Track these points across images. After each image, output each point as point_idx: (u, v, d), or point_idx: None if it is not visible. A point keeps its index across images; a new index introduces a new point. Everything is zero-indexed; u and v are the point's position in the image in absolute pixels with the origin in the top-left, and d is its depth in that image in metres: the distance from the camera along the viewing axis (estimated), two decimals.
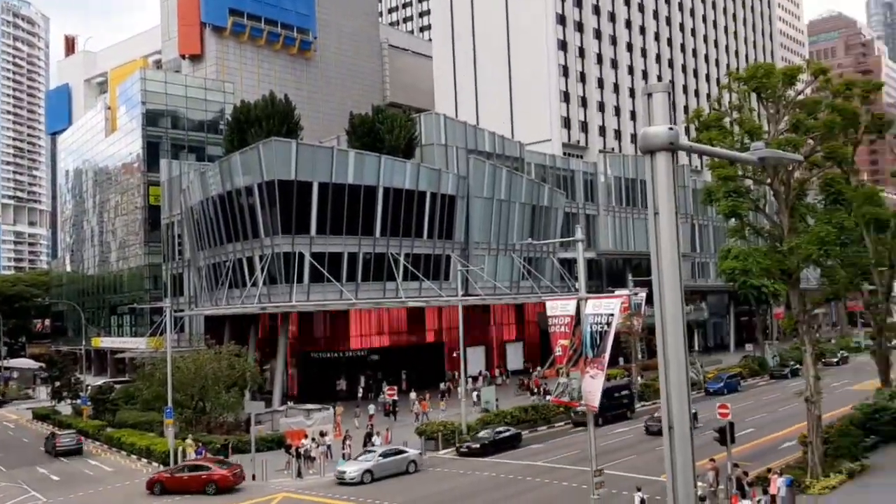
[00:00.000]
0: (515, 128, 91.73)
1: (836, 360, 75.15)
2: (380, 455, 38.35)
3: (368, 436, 42.68)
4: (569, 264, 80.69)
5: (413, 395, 56.98)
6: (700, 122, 31.70)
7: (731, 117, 31.79)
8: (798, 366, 67.70)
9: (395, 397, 44.34)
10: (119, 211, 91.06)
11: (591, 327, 23.21)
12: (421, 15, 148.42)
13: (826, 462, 32.51)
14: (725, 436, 30.09)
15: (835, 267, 32.99)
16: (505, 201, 71.45)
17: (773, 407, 53.04)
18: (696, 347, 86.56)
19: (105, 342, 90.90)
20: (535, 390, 59.96)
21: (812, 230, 29.35)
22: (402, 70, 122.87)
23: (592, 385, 24.30)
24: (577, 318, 24.96)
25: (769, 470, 31.16)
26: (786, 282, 31.83)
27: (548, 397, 52.22)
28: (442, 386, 62.72)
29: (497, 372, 71.86)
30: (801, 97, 31.10)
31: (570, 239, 31.93)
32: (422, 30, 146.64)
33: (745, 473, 29.73)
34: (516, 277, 72.52)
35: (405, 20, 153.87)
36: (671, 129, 5.54)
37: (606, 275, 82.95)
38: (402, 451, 39.46)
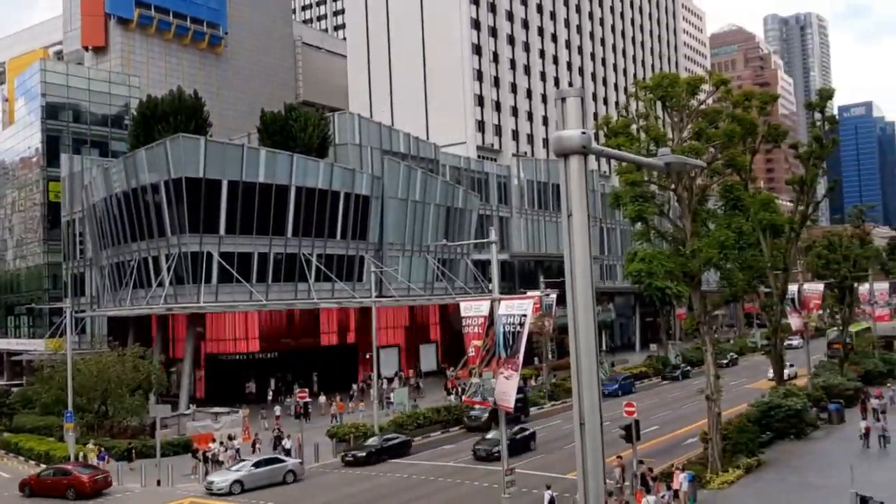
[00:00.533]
0: (430, 130, 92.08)
1: (725, 361, 75.57)
2: (252, 465, 36.40)
3: (278, 439, 42.01)
4: (483, 266, 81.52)
5: (322, 398, 56.48)
6: (609, 128, 32.59)
7: (638, 124, 32.81)
8: (689, 368, 70.35)
9: (307, 399, 43.74)
10: (17, 207, 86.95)
11: (504, 328, 23.53)
12: (335, 14, 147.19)
13: (725, 457, 33.91)
14: (631, 433, 30.99)
15: (733, 270, 34.46)
16: (419, 202, 71.62)
17: (676, 405, 54.93)
18: (604, 347, 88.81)
19: (1, 344, 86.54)
20: (451, 390, 60.42)
21: (713, 234, 30.58)
22: (315, 68, 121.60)
23: (507, 385, 24.64)
24: (491, 319, 25.28)
25: (673, 466, 32.26)
26: (688, 284, 33.07)
27: (462, 397, 52.56)
28: (354, 387, 62.39)
29: (412, 373, 71.94)
30: (703, 107, 32.38)
31: (484, 241, 32.32)
32: (336, 28, 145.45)
33: (650, 469, 30.73)
34: (430, 279, 72.79)
35: (319, 18, 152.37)
36: (584, 133, 5.71)
37: (519, 276, 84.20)
38: (278, 461, 37.60)
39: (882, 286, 70.07)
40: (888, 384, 54.47)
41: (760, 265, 34.15)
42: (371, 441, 41.54)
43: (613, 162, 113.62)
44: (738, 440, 36.00)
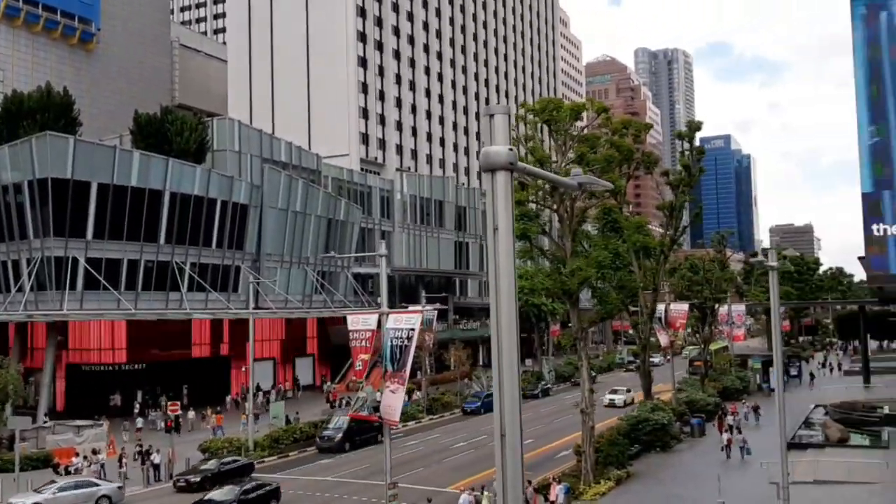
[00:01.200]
0: (313, 140, 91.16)
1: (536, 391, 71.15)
2: (57, 489, 32.96)
3: (146, 453, 40.14)
4: (363, 279, 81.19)
5: (191, 413, 54.54)
6: None
7: (525, 146, 33.70)
8: (549, 386, 71.25)
9: (179, 412, 42.00)
10: None
11: (391, 341, 23.50)
12: (216, 17, 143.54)
13: (597, 469, 35.09)
14: None
15: (608, 289, 35.88)
16: (300, 213, 70.60)
17: (549, 419, 56.37)
18: (482, 362, 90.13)
19: None
20: (335, 403, 59.78)
21: (591, 255, 31.75)
22: (192, 71, 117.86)
23: (392, 399, 24.56)
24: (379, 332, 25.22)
25: (550, 478, 33.07)
26: (567, 301, 34.12)
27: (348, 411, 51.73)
28: (228, 400, 60.61)
29: (288, 386, 70.60)
30: (585, 132, 33.65)
31: (374, 254, 32.24)
32: (216, 32, 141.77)
33: (529, 482, 31.36)
34: (309, 291, 71.76)
35: (198, 20, 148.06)
36: (511, 149, 5.86)
37: (400, 291, 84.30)
38: (91, 484, 34.27)
39: (739, 308, 74.67)
40: (743, 400, 58.02)
41: (633, 285, 35.74)
42: (208, 465, 37.97)
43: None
44: (609, 453, 37.32)
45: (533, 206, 32.41)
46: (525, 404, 65.37)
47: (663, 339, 54.69)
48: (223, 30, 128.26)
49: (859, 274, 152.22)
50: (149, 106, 75.71)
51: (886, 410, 53.43)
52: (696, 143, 46.42)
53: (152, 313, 58.34)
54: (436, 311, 62.52)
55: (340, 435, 45.24)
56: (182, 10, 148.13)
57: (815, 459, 38.41)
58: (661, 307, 54.25)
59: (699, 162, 44.03)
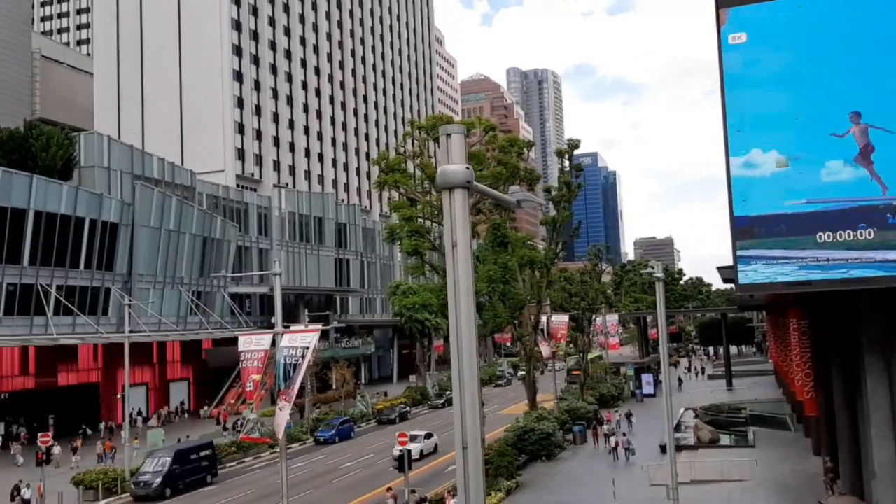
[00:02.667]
0: (186, 155, 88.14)
1: (441, 402, 72.02)
2: None
3: (16, 489, 37.41)
4: (240, 299, 79.06)
5: (57, 448, 51.27)
6: (385, 164, 33.36)
7: (414, 162, 33.98)
8: (407, 408, 67.20)
9: (50, 443, 39.36)
10: None
11: (285, 360, 23.07)
12: (79, 27, 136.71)
13: (487, 481, 35.56)
14: (403, 463, 31.53)
15: (495, 303, 36.58)
16: (174, 232, 68.06)
17: (438, 433, 56.59)
18: (363, 380, 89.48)
19: None
20: (224, 423, 57.86)
21: (481, 270, 32.29)
22: (55, 83, 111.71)
23: (281, 417, 24.06)
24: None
25: (446, 491, 33.22)
26: None
27: (239, 433, 49.77)
28: (101, 427, 57.47)
29: (166, 411, 67.65)
30: (473, 149, 34.29)
31: (267, 272, 31.46)
32: (79, 43, 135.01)
33: (424, 498, 31.43)
34: (184, 312, 69.17)
35: (60, 31, 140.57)
36: (468, 168, 5.98)
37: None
38: None
39: (613, 318, 77.75)
40: (616, 408, 60.30)
41: (521, 298, 36.61)
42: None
43: (375, 197, 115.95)
44: (499, 464, 37.93)
45: (426, 222, 32.69)
46: (414, 419, 65.50)
47: (545, 349, 56.21)
48: (87, 41, 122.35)
49: (717, 283, 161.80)
50: (8, 120, 71.25)
51: (749, 411, 57.06)
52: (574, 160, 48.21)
53: (14, 340, 54.60)
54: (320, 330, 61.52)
55: (159, 480, 39.05)
56: (43, 19, 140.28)
57: (689, 460, 40.38)
58: (542, 319, 55.79)
59: (578, 178, 45.81)
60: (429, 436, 48.11)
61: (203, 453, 42.93)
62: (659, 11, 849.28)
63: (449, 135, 5.97)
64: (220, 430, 57.84)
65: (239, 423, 57.20)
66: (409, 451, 31.99)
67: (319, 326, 24.41)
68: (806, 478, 35.32)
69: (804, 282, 22.98)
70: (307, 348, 23.07)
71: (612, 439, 44.51)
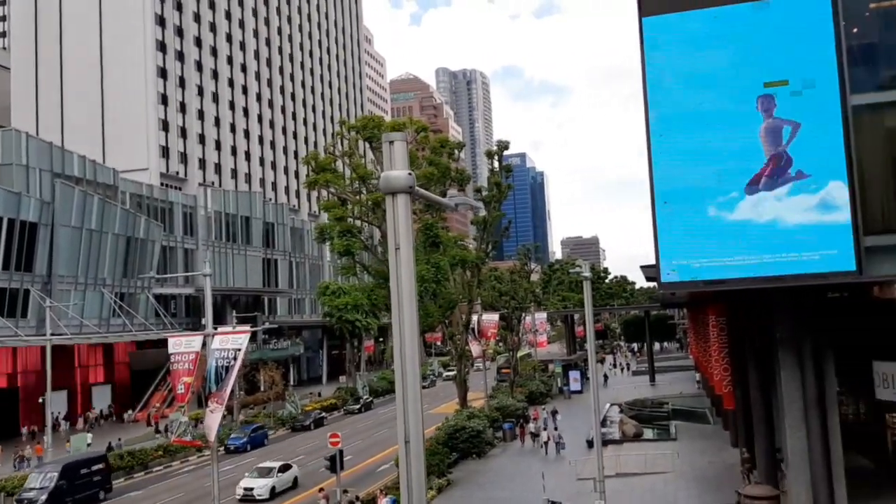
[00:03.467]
0: (108, 153, 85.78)
1: (357, 407, 69.65)
2: None
3: None
4: (165, 300, 77.42)
5: None
6: (316, 163, 33.30)
7: (344, 161, 34.01)
8: (323, 414, 63.91)
9: None
10: None
11: (217, 362, 22.88)
12: None
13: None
14: (335, 463, 31.58)
15: (427, 302, 36.91)
16: (96, 231, 66.23)
17: (368, 434, 56.68)
18: (292, 381, 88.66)
19: None
20: (157, 425, 56.70)
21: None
22: None
23: (211, 420, 23.84)
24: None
25: (378, 491, 33.39)
26: (389, 316, 34.71)
27: (170, 436, 48.70)
28: (24, 431, 55.67)
29: (94, 415, 65.86)
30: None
31: (198, 273, 31.01)
32: None
33: (357, 497, 31.52)
34: (107, 314, 67.36)
35: None
36: (410, 174, 6.24)
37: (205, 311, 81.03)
38: None
39: (541, 316, 79.04)
40: (546, 405, 61.29)
41: (453, 297, 37.02)
42: None
43: (303, 197, 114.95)
44: (430, 462, 38.22)
45: (358, 222, 32.79)
46: (343, 420, 65.27)
47: (476, 348, 56.80)
48: (3, 34, 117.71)
49: (640, 281, 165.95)
50: None
51: (671, 406, 58.89)
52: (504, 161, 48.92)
53: None
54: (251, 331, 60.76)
55: (45, 497, 35.90)
56: None
57: (615, 454, 41.51)
58: (473, 318, 56.39)
59: (508, 179, 46.52)
60: (285, 468, 39.72)
61: (95, 467, 39.52)
62: (585, 15, 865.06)
63: (392, 142, 6.23)
64: (152, 433, 56.61)
65: (167, 426, 56.19)
66: (341, 452, 32.03)
67: (249, 328, 24.23)
68: (724, 468, 36.75)
69: (722, 280, 24.04)
70: (239, 350, 22.93)
71: (544, 433, 45.52)
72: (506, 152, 47.08)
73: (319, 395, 76.69)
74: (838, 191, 22.42)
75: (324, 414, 64.39)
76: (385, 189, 6.23)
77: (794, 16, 23.75)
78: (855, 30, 23.69)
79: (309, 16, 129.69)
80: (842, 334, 27.23)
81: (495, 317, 60.98)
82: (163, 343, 69.78)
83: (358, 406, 69.58)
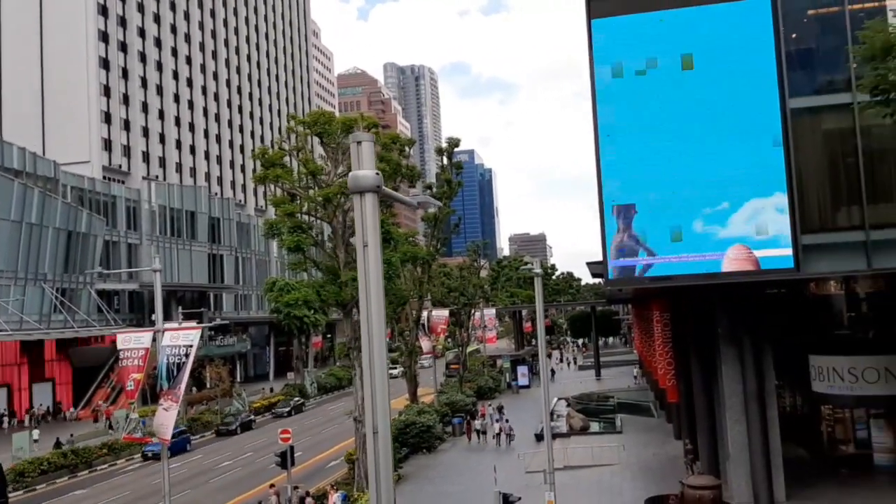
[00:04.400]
0: (49, 145, 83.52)
1: (287, 409, 66.05)
2: None
3: None
4: (108, 296, 75.90)
5: None
6: (265, 158, 33.12)
7: (295, 157, 33.88)
8: (252, 417, 60.69)
9: None
10: None
11: (168, 359, 22.67)
12: None
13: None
14: (286, 459, 31.51)
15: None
16: (36, 225, 64.54)
17: (317, 430, 56.53)
18: (239, 378, 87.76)
19: None
20: (109, 422, 55.56)
21: None
22: None
23: (166, 417, 23.61)
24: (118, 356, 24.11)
25: (329, 487, 33.42)
26: (340, 312, 34.74)
27: (120, 433, 47.36)
28: None
29: (40, 412, 64.27)
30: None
31: (146, 269, 30.56)
32: None
33: (307, 493, 31.51)
34: (48, 310, 65.73)
35: None
36: (377, 173, 6.43)
37: (149, 307, 79.65)
38: None
39: (490, 312, 79.71)
40: (493, 400, 61.82)
41: (403, 294, 37.18)
42: None
43: (250, 191, 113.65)
44: None
45: (307, 217, 32.70)
46: (288, 418, 64.78)
47: (426, 344, 57.12)
48: None
49: (586, 277, 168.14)
50: None
51: (617, 400, 60.06)
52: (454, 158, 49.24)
53: None
54: (202, 327, 59.89)
55: None
56: None
57: (563, 447, 42.18)
58: (423, 314, 56.66)
59: (458, 176, 46.89)
60: None
61: None
62: (533, 12, 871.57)
63: (359, 142, 6.42)
64: (103, 430, 55.47)
65: (111, 423, 55.19)
66: (292, 448, 31.98)
67: (198, 324, 24.08)
68: (668, 460, 37.71)
69: (667, 276, 24.74)
70: (191, 346, 22.76)
71: (496, 425, 46.23)
72: (455, 149, 47.42)
73: (272, 389, 76.05)
74: (779, 193, 23.27)
75: (252, 417, 60.42)
76: (353, 188, 6.41)
77: (736, 21, 24.54)
78: (794, 35, 24.59)
79: (256, 8, 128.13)
80: (780, 329, 28.25)
81: (445, 313, 61.37)
82: (105, 339, 68.68)
83: (288, 409, 65.37)
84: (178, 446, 47.85)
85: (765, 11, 23.90)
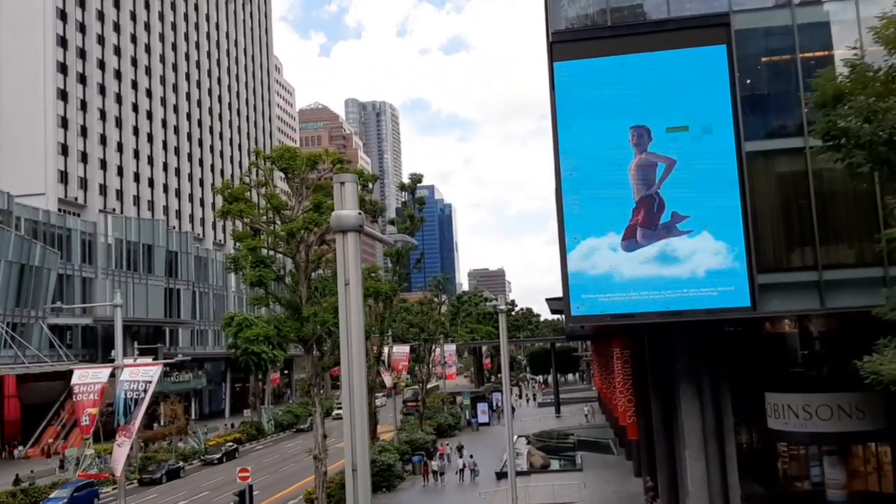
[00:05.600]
0: (3, 177, 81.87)
1: (218, 456, 60.27)
2: None
3: None
4: (60, 331, 74.08)
5: None
6: (229, 193, 33.00)
7: (259, 191, 33.81)
8: (180, 464, 55.70)
9: None
10: None
11: (125, 394, 22.28)
12: None
13: None
14: (244, 499, 30.99)
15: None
16: None
17: (275, 468, 55.55)
18: (194, 415, 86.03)
19: None
20: (66, 460, 53.56)
21: (328, 300, 32.55)
22: None
23: (118, 454, 23.14)
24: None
25: None
26: (302, 348, 34.47)
27: (74, 470, 45.52)
28: None
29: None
30: (320, 181, 34.58)
31: (106, 304, 30.04)
32: None
33: None
34: None
35: None
36: (360, 213, 6.55)
37: (103, 342, 77.83)
38: None
39: (450, 348, 79.58)
40: (452, 439, 61.34)
41: (366, 329, 36.92)
42: None
43: (209, 225, 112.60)
44: (341, 497, 37.87)
45: (270, 252, 32.57)
46: (244, 458, 63.50)
47: (387, 380, 56.75)
48: None
49: (545, 313, 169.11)
50: None
51: (577, 437, 60.16)
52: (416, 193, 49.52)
53: None
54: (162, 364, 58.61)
55: None
56: None
57: (524, 485, 42.06)
58: (385, 350, 56.33)
59: (420, 211, 47.15)
60: None
61: None
62: (492, 52, 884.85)
63: (343, 183, 6.55)
64: (54, 469, 53.56)
65: (62, 461, 53.54)
66: (251, 487, 31.45)
67: (158, 360, 23.74)
68: (628, 497, 37.86)
69: (628, 314, 25.13)
70: (150, 382, 22.41)
71: (459, 461, 46.05)
72: (417, 185, 47.71)
73: (232, 426, 74.12)
74: (734, 233, 23.90)
75: (181, 464, 55.67)
76: (336, 227, 6.52)
77: (694, 66, 25.35)
78: (748, 81, 25.48)
79: (218, 42, 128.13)
80: (737, 367, 28.75)
81: (406, 349, 61.12)
82: (56, 376, 66.90)
83: (219, 455, 59.80)
84: (83, 501, 40.58)
85: (721, 58, 24.73)
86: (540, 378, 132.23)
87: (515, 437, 60.75)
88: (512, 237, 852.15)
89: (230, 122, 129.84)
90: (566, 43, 26.07)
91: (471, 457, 47.48)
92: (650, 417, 33.40)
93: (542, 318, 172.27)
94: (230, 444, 64.01)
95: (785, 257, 24.43)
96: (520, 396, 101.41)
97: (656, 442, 32.48)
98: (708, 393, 26.51)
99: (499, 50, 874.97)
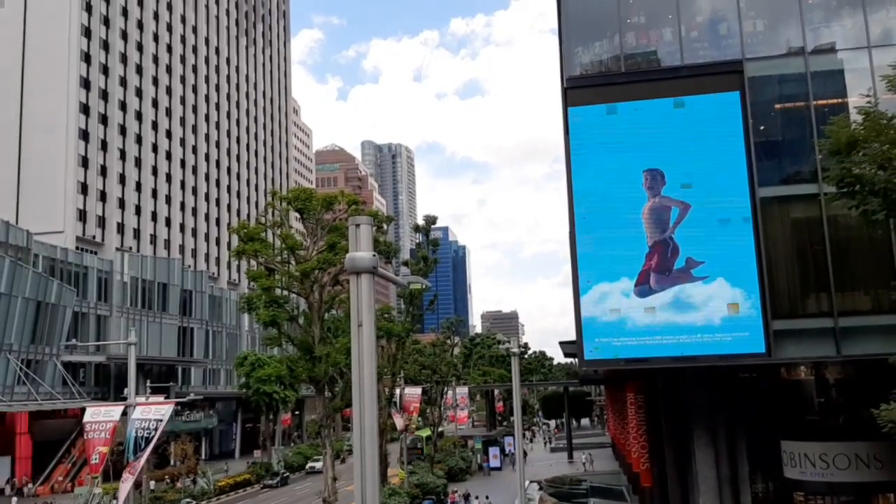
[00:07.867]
0: (23, 214, 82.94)
1: (275, 481, 67.34)
2: None
3: None
4: (74, 368, 74.31)
5: None
6: (245, 233, 33.28)
7: (274, 232, 34.10)
8: (288, 474, 61.04)
9: None
10: None
11: (136, 432, 22.27)
12: None
13: None
14: None
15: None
16: (5, 295, 63.51)
17: None
18: (204, 455, 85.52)
19: None
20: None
21: (340, 340, 32.58)
22: None
23: (122, 489, 23.06)
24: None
25: None
26: (313, 388, 34.39)
27: None
28: None
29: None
30: (336, 222, 34.86)
31: (121, 342, 30.22)
32: None
33: None
34: (11, 381, 64.10)
35: None
36: (374, 255, 6.64)
37: (116, 380, 77.93)
38: None
39: (463, 390, 79.04)
40: (463, 483, 60.48)
41: (378, 370, 36.94)
42: None
43: (224, 264, 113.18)
44: None
45: (284, 292, 32.72)
46: (259, 496, 63.10)
47: (399, 422, 56.33)
48: None
49: (558, 356, 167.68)
50: None
51: (590, 483, 59.22)
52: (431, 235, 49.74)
53: None
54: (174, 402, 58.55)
55: None
56: None
57: None
58: (396, 391, 56.03)
59: (434, 252, 47.33)
60: None
61: None
62: (508, 97, 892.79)
63: (358, 225, 6.66)
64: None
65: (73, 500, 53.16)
66: None
67: (171, 399, 23.77)
68: None
69: (643, 359, 24.99)
70: (161, 420, 22.41)
71: (475, 502, 45.60)
72: (432, 226, 47.92)
73: (226, 470, 73.39)
74: (749, 279, 23.82)
75: (288, 474, 59.00)
76: (350, 269, 6.61)
77: (708, 112, 25.55)
78: (762, 127, 25.62)
79: (238, 85, 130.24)
80: (753, 414, 28.40)
81: (418, 390, 60.78)
82: (68, 413, 66.85)
83: (275, 481, 66.44)
84: None
85: (734, 105, 24.92)
86: (553, 423, 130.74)
87: (527, 482, 59.98)
88: (525, 280, 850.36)
89: (247, 162, 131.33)
90: (580, 89, 26.38)
91: (487, 497, 46.95)
92: (664, 464, 32.94)
93: (555, 362, 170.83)
94: (284, 472, 68.45)
95: (800, 303, 24.31)
96: (531, 441, 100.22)
97: (670, 489, 31.98)
98: (723, 440, 26.18)
99: (513, 95, 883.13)
